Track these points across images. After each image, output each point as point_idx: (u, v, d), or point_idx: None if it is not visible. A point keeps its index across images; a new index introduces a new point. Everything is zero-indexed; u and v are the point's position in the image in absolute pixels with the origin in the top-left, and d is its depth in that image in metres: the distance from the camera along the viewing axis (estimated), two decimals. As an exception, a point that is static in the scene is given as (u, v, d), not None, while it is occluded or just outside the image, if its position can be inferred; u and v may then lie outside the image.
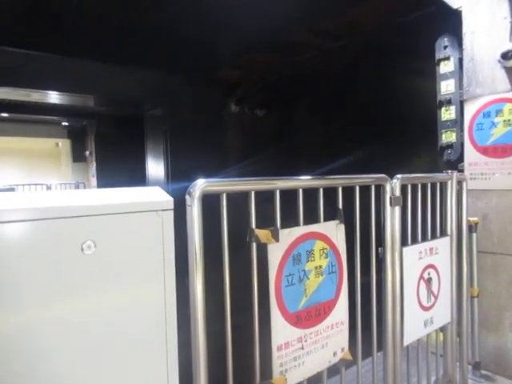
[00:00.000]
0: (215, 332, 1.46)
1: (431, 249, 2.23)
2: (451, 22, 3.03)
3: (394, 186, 2.00)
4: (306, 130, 8.18)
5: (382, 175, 1.99)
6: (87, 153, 12.13)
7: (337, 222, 1.77)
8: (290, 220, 1.62)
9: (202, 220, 1.36)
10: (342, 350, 1.82)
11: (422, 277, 2.18)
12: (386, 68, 6.15)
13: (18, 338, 1.05)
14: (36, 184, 11.67)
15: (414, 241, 2.16)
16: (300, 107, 8.45)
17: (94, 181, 11.64)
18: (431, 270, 2.23)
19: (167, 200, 1.30)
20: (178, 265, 1.31)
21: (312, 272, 1.67)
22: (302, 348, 1.65)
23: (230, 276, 1.45)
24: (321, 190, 1.72)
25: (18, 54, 5.83)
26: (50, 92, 7.25)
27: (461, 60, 3.00)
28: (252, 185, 1.53)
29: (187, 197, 1.36)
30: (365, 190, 1.91)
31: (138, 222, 1.23)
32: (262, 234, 1.50)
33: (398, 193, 2.01)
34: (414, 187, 2.15)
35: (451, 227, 2.36)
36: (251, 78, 7.71)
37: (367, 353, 2.03)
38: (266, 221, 1.56)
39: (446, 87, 3.15)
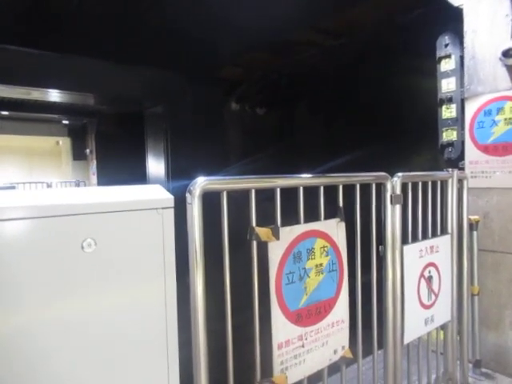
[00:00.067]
0: (215, 330, 1.45)
1: (432, 247, 2.23)
2: (452, 20, 3.02)
3: (394, 184, 2.00)
4: (307, 129, 8.17)
5: (383, 173, 1.99)
6: (88, 151, 12.13)
7: (337, 220, 1.77)
8: (290, 218, 1.62)
9: (203, 218, 1.36)
10: (343, 348, 1.82)
11: (422, 275, 2.18)
12: (386, 66, 6.14)
13: (18, 337, 1.05)
14: (36, 182, 11.67)
15: (415, 239, 2.16)
16: (300, 106, 8.44)
17: (94, 179, 11.64)
18: (432, 268, 2.23)
19: (167, 198, 1.30)
20: (179, 263, 1.31)
21: (312, 270, 1.67)
22: (303, 346, 1.65)
23: (231, 274, 1.45)
24: (321, 188, 1.72)
25: (19, 52, 5.82)
26: (50, 90, 7.24)
27: (462, 58, 2.99)
28: (252, 183, 1.53)
29: (187, 195, 1.36)
30: (365, 188, 1.91)
31: (138, 220, 1.23)
32: (263, 232, 1.50)
33: (398, 191, 2.01)
34: (415, 185, 2.15)
35: (452, 225, 2.35)
36: (252, 76, 7.70)
37: (368, 351, 2.04)
38: (266, 219, 1.56)
39: (447, 85, 3.14)
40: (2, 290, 1.03)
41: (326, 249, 1.72)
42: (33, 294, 1.07)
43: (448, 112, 3.15)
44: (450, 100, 3.12)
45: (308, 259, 1.65)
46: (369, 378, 2.21)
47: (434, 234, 2.28)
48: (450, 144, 3.14)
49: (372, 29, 5.53)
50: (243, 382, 1.63)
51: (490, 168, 2.81)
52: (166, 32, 5.52)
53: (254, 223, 1.50)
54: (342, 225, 1.79)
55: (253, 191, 1.51)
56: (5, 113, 10.24)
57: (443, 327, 2.37)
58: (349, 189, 1.82)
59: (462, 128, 3.01)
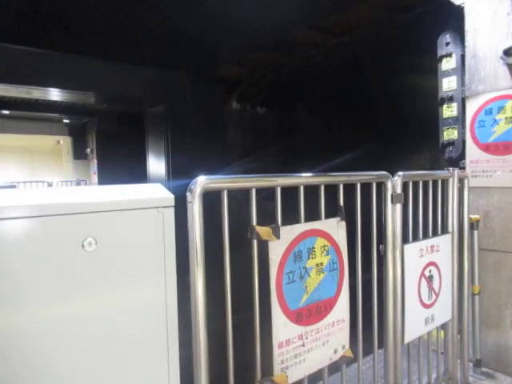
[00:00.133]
0: (216, 330, 1.45)
1: (432, 246, 2.22)
2: (453, 19, 3.02)
3: (395, 183, 2.00)
4: (307, 128, 8.17)
5: (384, 172, 1.98)
6: (88, 150, 12.12)
7: (338, 219, 1.77)
8: (290, 217, 1.62)
9: (203, 217, 1.36)
10: (343, 347, 1.82)
11: (423, 274, 2.17)
12: (386, 65, 6.13)
13: (18, 337, 1.05)
14: (37, 181, 11.67)
15: (415, 238, 2.16)
16: (301, 105, 8.44)
17: (95, 178, 11.63)
18: (432, 268, 2.23)
19: (168, 197, 1.30)
20: (179, 262, 1.31)
21: (313, 269, 1.67)
22: (303, 345, 1.65)
23: (231, 273, 1.45)
24: (322, 187, 1.72)
25: (19, 51, 5.82)
26: (50, 89, 7.23)
27: (463, 57, 2.99)
28: (253, 182, 1.53)
29: (188, 194, 1.35)
30: (366, 187, 1.91)
31: (138, 218, 1.22)
32: (263, 231, 1.50)
33: (399, 190, 2.01)
34: (416, 184, 2.15)
35: (452, 225, 2.35)
36: (252, 75, 7.70)
37: (368, 350, 2.04)
38: (266, 218, 1.56)
39: (448, 84, 3.14)
40: (2, 289, 1.03)
41: (326, 248, 1.72)
42: (33, 293, 1.06)
43: (449, 111, 3.14)
44: (450, 99, 3.11)
45: (308, 258, 1.65)
46: (369, 378, 2.21)
47: (435, 233, 2.28)
48: (451, 143, 3.14)
49: (372, 28, 5.53)
50: (243, 381, 1.63)
51: (490, 167, 2.81)
52: (167, 31, 5.52)
53: (254, 222, 1.50)
54: (343, 224, 1.78)
55: (253, 190, 1.51)
56: (5, 112, 10.23)
57: (444, 326, 2.37)
58: (349, 188, 1.82)
59: (463, 127, 3.01)
